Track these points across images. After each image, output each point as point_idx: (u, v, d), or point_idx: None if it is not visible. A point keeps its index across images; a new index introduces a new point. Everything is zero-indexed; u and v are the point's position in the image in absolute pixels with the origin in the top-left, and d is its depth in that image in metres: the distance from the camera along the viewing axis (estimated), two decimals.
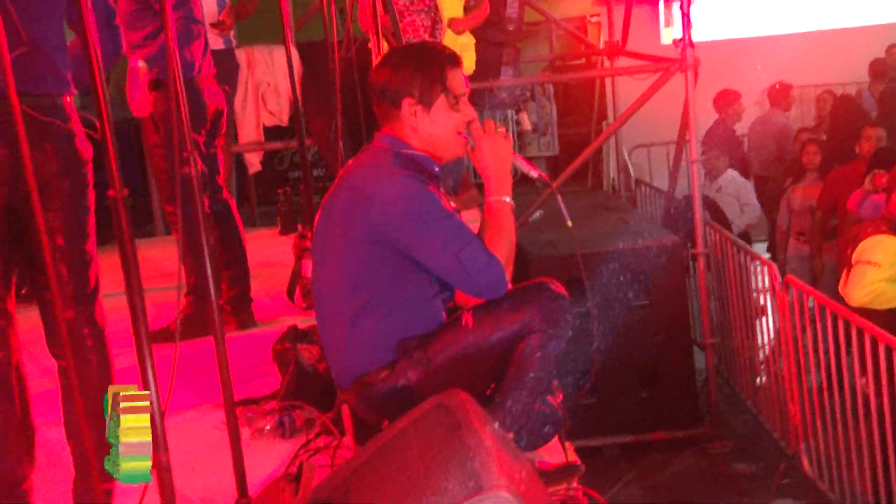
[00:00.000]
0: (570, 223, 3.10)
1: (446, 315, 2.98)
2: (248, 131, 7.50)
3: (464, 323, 2.85)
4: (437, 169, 2.99)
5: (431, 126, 2.93)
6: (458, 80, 2.95)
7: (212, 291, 2.74)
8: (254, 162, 7.93)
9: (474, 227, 2.98)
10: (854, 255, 5.37)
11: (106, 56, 2.86)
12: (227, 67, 6.42)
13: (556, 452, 3.14)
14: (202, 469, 3.27)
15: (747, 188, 8.59)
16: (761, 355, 6.80)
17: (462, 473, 2.24)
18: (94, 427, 2.36)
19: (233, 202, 4.91)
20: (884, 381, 4.93)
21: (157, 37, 4.49)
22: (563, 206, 3.09)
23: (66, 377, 2.87)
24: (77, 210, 2.94)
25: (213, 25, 6.11)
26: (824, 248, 7.49)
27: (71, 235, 2.91)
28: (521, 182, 3.28)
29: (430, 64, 2.92)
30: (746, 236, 8.30)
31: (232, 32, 6.40)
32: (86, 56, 2.19)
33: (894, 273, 5.23)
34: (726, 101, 9.39)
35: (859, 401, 5.29)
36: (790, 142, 9.23)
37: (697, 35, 7.17)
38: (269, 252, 5.83)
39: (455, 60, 2.96)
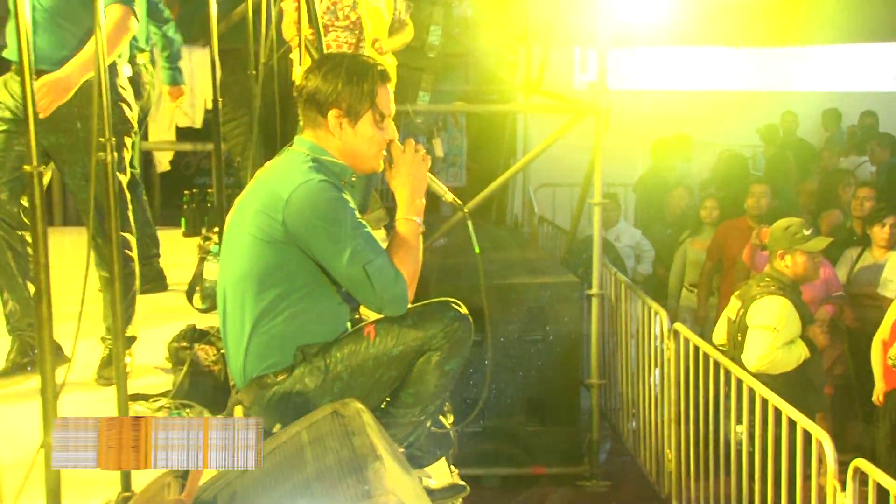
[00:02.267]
0: (477, 250, 3.16)
1: (350, 326, 3.01)
2: (161, 130, 7.42)
3: (366, 334, 2.87)
4: (353, 178, 3.02)
5: (354, 139, 2.94)
6: (386, 98, 2.97)
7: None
8: (163, 161, 7.85)
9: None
10: (749, 317, 5.38)
11: None
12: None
13: (442, 474, 3.19)
14: None
15: (643, 238, 8.69)
16: (644, 399, 6.96)
17: (353, 480, 2.26)
18: None
19: None
20: (758, 432, 5.10)
21: None
22: (472, 232, 3.15)
23: None
24: None
25: None
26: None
27: None
28: (427, 210, 3.32)
29: (361, 78, 2.92)
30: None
31: None
32: None
33: (788, 335, 5.26)
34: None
35: (733, 450, 5.45)
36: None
37: (611, 83, 7.35)
38: (171, 253, 5.77)
39: (385, 77, 2.97)
